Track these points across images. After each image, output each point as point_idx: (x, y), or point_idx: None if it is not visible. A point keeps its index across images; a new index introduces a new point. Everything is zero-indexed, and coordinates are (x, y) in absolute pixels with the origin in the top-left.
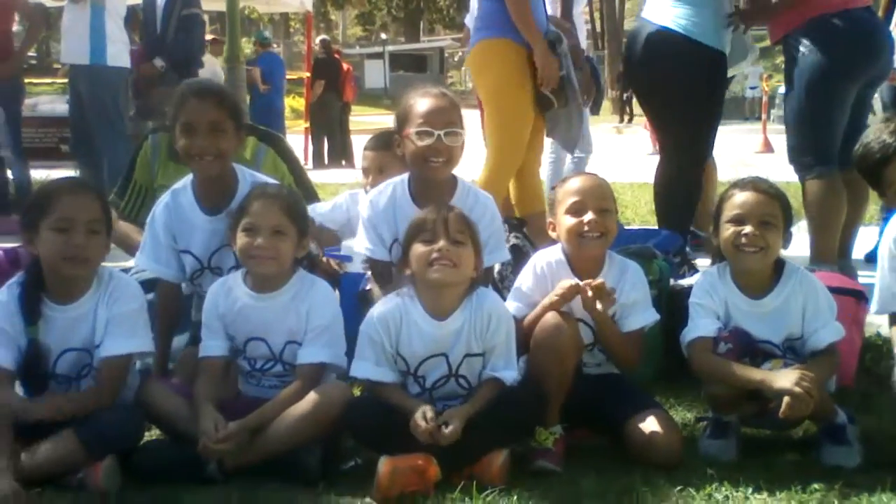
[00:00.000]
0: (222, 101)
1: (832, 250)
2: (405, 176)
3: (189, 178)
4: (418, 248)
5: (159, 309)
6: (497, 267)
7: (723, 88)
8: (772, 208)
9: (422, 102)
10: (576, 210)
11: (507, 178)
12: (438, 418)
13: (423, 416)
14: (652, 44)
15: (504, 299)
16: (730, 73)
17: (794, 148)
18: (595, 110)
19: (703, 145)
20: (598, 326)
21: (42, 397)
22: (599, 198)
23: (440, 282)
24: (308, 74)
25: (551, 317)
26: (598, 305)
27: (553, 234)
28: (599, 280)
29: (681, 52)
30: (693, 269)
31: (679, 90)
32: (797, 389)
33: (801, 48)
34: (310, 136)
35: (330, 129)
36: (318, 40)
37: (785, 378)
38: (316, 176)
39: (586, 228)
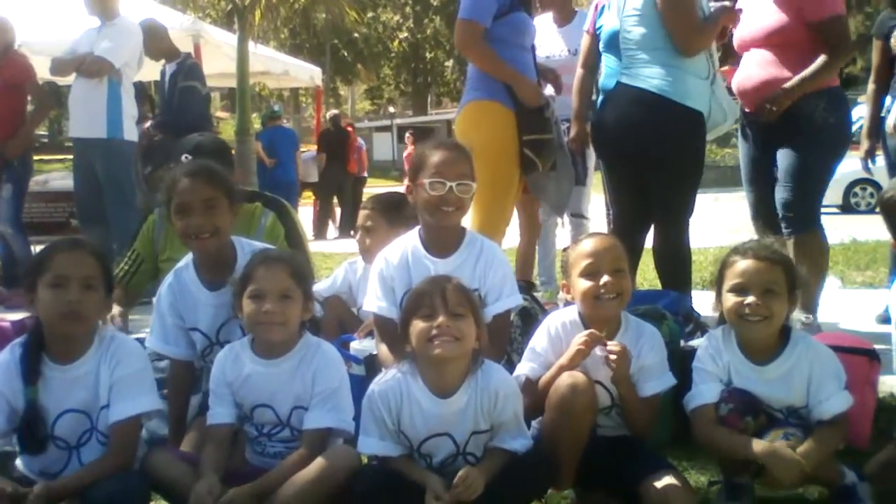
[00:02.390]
0: (213, 178)
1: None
2: (414, 231)
3: (190, 256)
4: (418, 325)
5: (170, 388)
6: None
7: (703, 148)
8: (774, 275)
9: (436, 153)
10: (590, 272)
11: (493, 236)
12: (456, 478)
13: (435, 496)
14: (636, 107)
15: (512, 362)
16: (712, 136)
17: (802, 203)
18: (581, 180)
19: (692, 205)
20: (621, 391)
21: (67, 476)
22: (614, 259)
23: (442, 357)
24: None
25: (567, 377)
26: (613, 365)
27: (567, 297)
28: (617, 344)
29: (662, 113)
30: (703, 330)
31: (664, 150)
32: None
33: (820, 111)
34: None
35: (340, 200)
36: (328, 115)
37: (782, 464)
38: (320, 246)
39: (602, 290)
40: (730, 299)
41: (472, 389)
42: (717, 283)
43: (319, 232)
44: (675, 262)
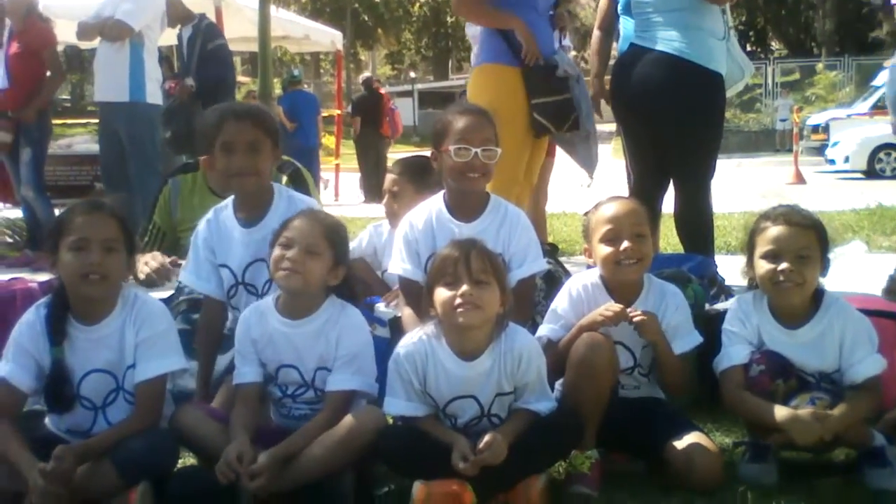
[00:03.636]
0: (259, 120)
1: None
2: (439, 195)
3: (231, 197)
4: (442, 293)
5: (201, 327)
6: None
7: (723, 110)
8: (807, 241)
9: (460, 119)
10: (611, 238)
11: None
12: (481, 443)
13: (461, 457)
14: (656, 69)
15: (537, 325)
16: (729, 94)
17: None
18: None
19: (713, 167)
20: (657, 351)
21: (92, 438)
22: (634, 224)
23: (465, 325)
24: (338, 112)
25: (587, 336)
26: (638, 330)
27: (589, 261)
28: (640, 312)
29: (683, 76)
30: (727, 294)
31: (685, 113)
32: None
33: None
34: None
35: (371, 164)
36: (361, 78)
37: (802, 430)
38: (344, 210)
39: (622, 256)
40: (762, 266)
41: (496, 352)
42: (747, 249)
43: (369, 195)
44: (697, 226)
